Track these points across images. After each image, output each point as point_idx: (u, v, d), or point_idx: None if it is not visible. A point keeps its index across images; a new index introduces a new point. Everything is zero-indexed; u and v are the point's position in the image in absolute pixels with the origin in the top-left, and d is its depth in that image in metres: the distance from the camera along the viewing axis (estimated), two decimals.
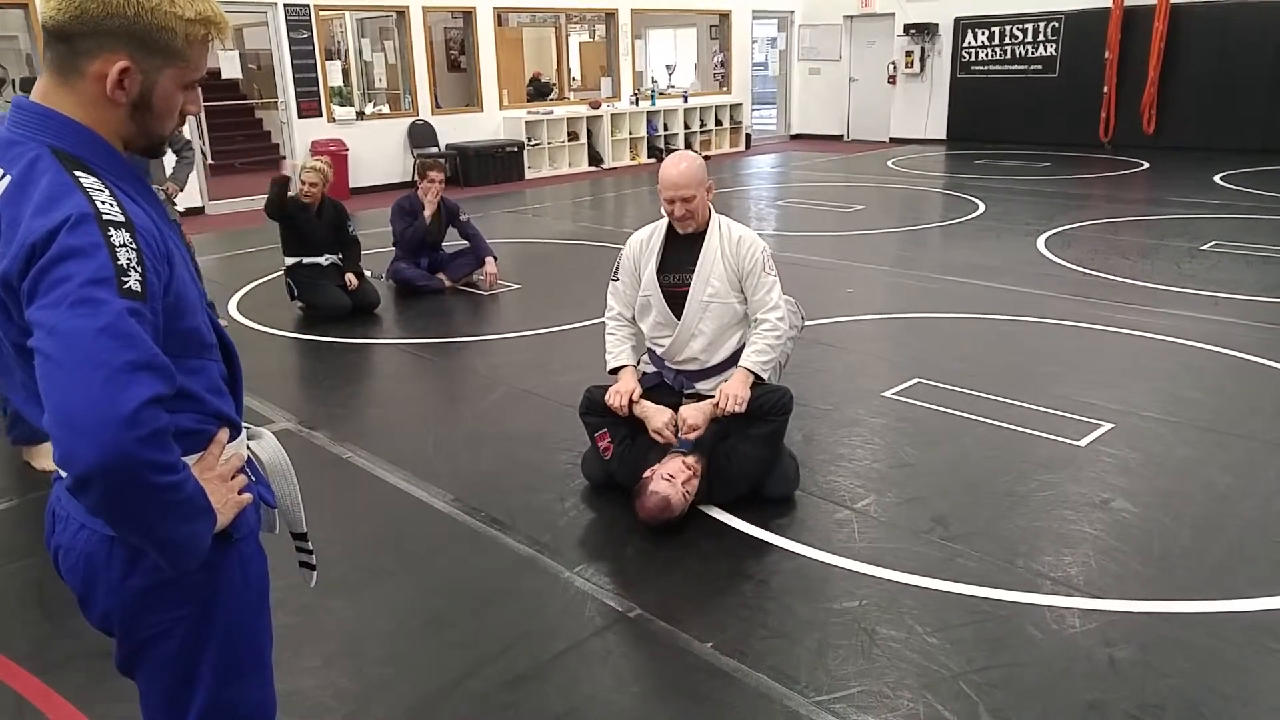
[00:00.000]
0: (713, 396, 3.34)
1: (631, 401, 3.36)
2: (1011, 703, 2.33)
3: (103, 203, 1.20)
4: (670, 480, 3.16)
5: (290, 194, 5.91)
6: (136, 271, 1.18)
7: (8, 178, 1.23)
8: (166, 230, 1.31)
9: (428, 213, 6.45)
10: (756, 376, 3.34)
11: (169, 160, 5.66)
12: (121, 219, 1.20)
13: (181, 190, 5.69)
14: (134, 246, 1.19)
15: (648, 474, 3.21)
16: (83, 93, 1.27)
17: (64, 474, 1.36)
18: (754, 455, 3.30)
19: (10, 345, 1.26)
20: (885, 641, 2.58)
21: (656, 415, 3.32)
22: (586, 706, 2.38)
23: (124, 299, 1.15)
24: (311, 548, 1.66)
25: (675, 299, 3.46)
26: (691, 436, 3.27)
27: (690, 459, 3.26)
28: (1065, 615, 2.68)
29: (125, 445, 1.10)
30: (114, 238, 1.17)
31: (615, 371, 3.50)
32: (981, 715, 2.29)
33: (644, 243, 3.53)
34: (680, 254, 3.47)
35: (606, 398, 3.38)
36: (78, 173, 1.22)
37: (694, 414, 3.29)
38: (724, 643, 2.60)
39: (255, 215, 7.03)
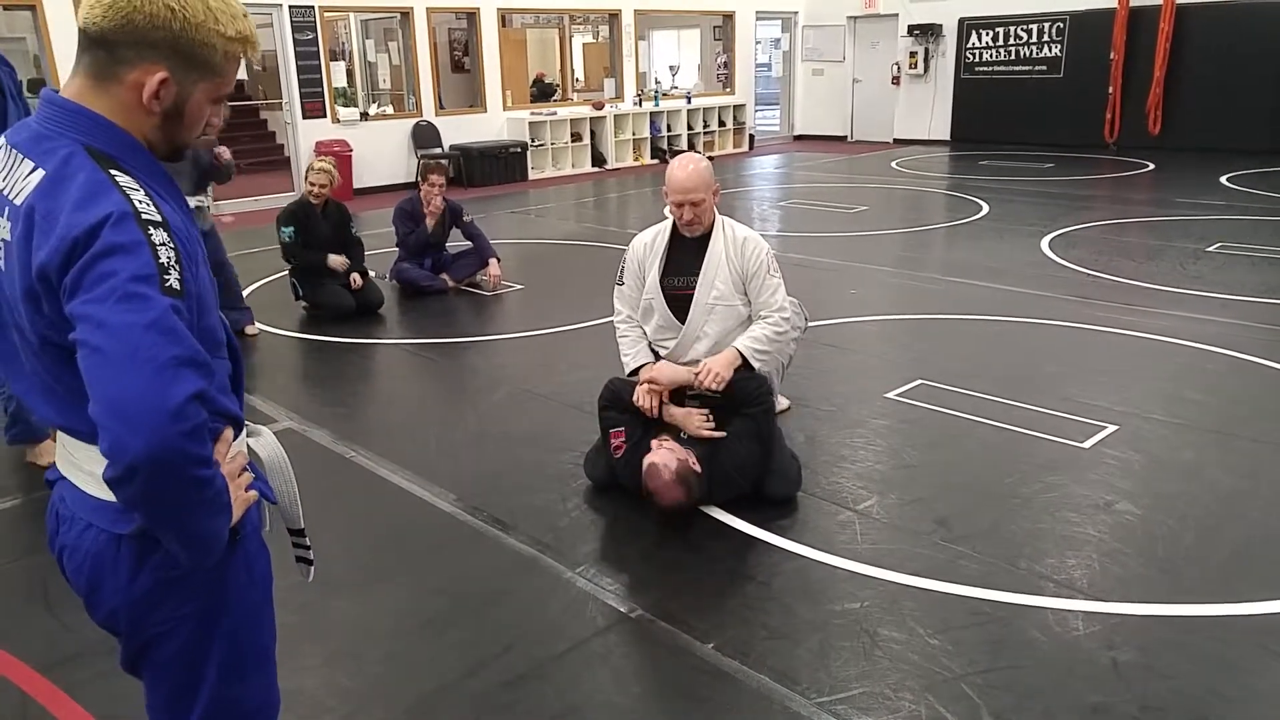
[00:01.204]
0: (715, 397, 3.33)
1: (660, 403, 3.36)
2: (1013, 705, 2.32)
3: (140, 202, 1.22)
4: (656, 448, 3.19)
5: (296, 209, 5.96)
6: (175, 270, 1.21)
7: (40, 171, 1.24)
8: (192, 229, 1.33)
9: (430, 222, 6.46)
10: (745, 362, 3.33)
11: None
12: (159, 218, 1.22)
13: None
14: (171, 245, 1.22)
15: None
16: (117, 98, 1.29)
17: (75, 470, 1.37)
18: (744, 451, 3.28)
19: (35, 336, 1.27)
20: (887, 643, 2.57)
21: (687, 418, 3.33)
22: (587, 707, 2.38)
23: (166, 296, 1.18)
24: (309, 543, 1.67)
25: (678, 302, 3.45)
26: (652, 389, 3.33)
27: (691, 458, 3.24)
28: (1068, 618, 2.67)
29: (172, 438, 1.13)
30: (154, 236, 1.20)
31: (635, 373, 3.50)
32: (983, 717, 2.28)
33: (648, 245, 3.53)
34: (685, 257, 3.46)
35: (636, 399, 3.36)
36: (113, 171, 1.24)
37: (662, 374, 3.35)
38: (725, 644, 2.59)
39: (260, 215, 7.04)
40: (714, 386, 3.25)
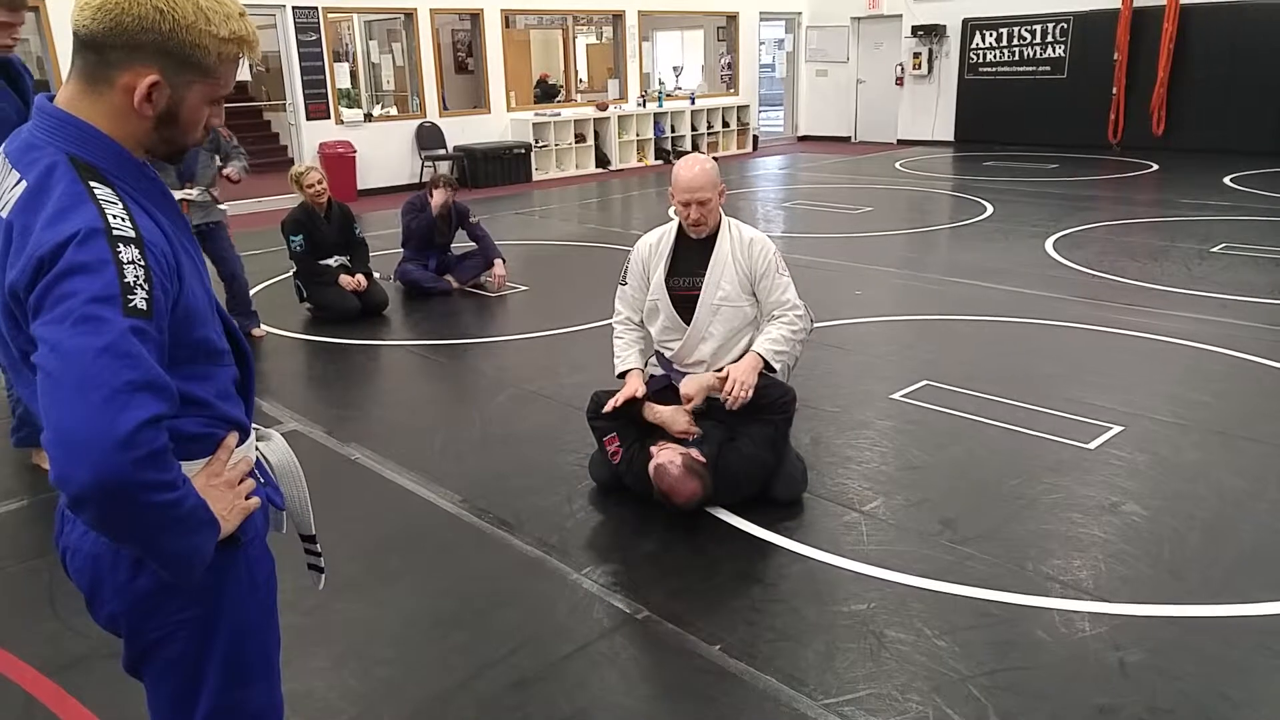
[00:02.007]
0: (718, 400, 3.34)
1: (638, 401, 3.36)
2: (1020, 706, 2.32)
3: (114, 216, 1.19)
4: (658, 450, 3.21)
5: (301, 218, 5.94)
6: (143, 289, 1.17)
7: (23, 183, 1.23)
8: (178, 242, 1.30)
9: (435, 204, 6.48)
10: (767, 365, 3.33)
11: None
12: (132, 234, 1.19)
13: (237, 178, 5.47)
14: (142, 263, 1.18)
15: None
16: (109, 102, 1.26)
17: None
18: (755, 457, 3.29)
19: (16, 350, 1.26)
20: (894, 644, 2.57)
21: (674, 418, 3.33)
22: (594, 708, 2.38)
23: (128, 317, 1.14)
24: (320, 550, 1.66)
25: (683, 303, 3.45)
26: (688, 407, 3.32)
27: (694, 451, 3.25)
28: (1074, 619, 2.67)
29: (120, 467, 1.09)
30: (122, 254, 1.16)
31: (623, 375, 3.51)
32: (990, 718, 2.28)
33: (653, 247, 3.53)
34: (690, 257, 3.46)
35: (616, 404, 3.37)
36: (93, 183, 1.21)
37: (690, 385, 3.34)
38: (732, 645, 2.59)
39: (264, 217, 7.04)
40: (744, 396, 3.23)
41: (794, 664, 2.51)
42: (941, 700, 2.35)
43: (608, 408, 3.35)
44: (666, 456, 3.17)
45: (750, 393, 3.24)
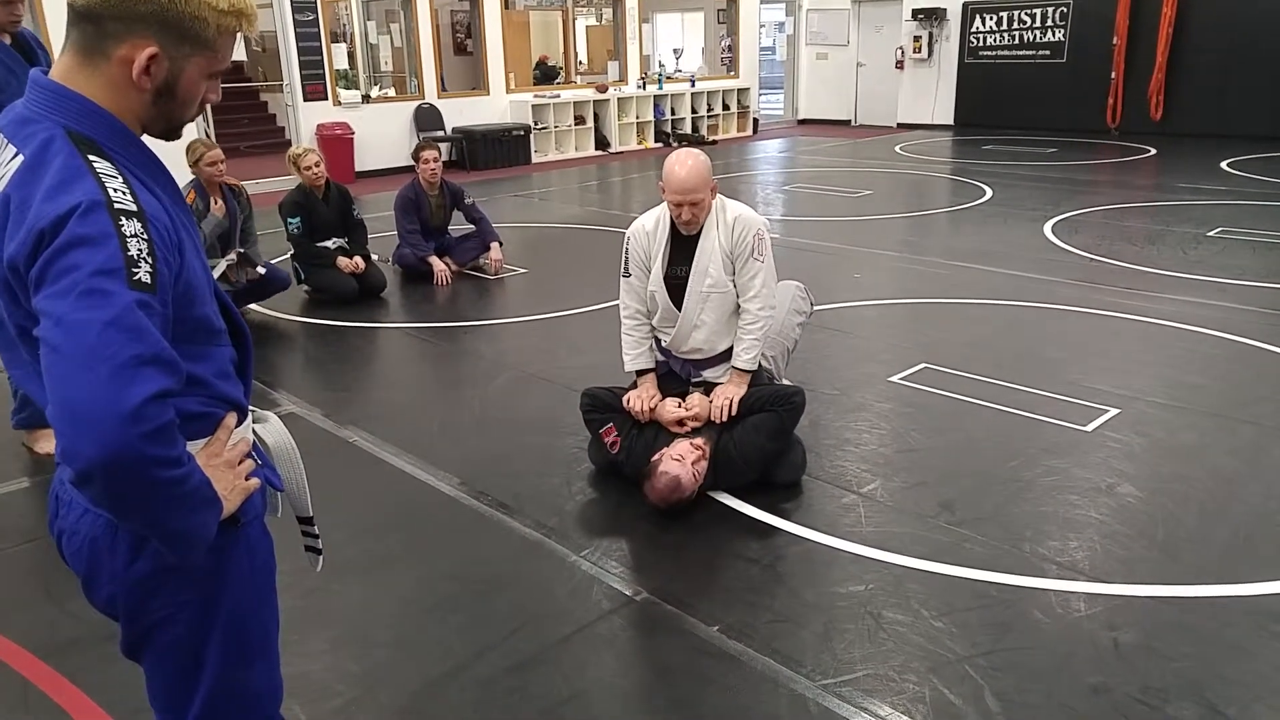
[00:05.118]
0: (720, 384, 3.35)
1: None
2: (1016, 686, 2.34)
3: (115, 190, 1.18)
4: (680, 460, 3.16)
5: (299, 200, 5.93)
6: (147, 262, 1.16)
7: (20, 157, 1.21)
8: (179, 218, 1.29)
9: (428, 182, 6.45)
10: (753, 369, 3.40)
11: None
12: (133, 208, 1.18)
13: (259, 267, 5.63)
14: (145, 236, 1.17)
15: (656, 456, 3.21)
16: (106, 75, 1.25)
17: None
18: (761, 446, 3.30)
19: (14, 327, 1.24)
20: (891, 625, 2.59)
21: (668, 411, 3.36)
22: (593, 690, 2.40)
23: (133, 290, 1.13)
24: (318, 532, 1.66)
25: (676, 291, 3.43)
26: (688, 420, 3.34)
27: (699, 440, 3.26)
28: (1070, 599, 2.68)
29: (128, 441, 1.09)
30: (125, 227, 1.15)
31: (636, 374, 3.52)
32: (987, 698, 2.29)
33: (650, 234, 3.46)
34: (682, 245, 3.43)
35: (628, 402, 3.38)
36: (91, 157, 1.20)
37: (699, 403, 3.37)
38: (730, 626, 2.61)
39: (261, 199, 7.01)
40: (732, 410, 3.32)
41: (792, 645, 2.52)
42: (938, 680, 2.36)
43: (641, 415, 3.36)
44: (685, 475, 3.12)
45: (736, 409, 3.33)
